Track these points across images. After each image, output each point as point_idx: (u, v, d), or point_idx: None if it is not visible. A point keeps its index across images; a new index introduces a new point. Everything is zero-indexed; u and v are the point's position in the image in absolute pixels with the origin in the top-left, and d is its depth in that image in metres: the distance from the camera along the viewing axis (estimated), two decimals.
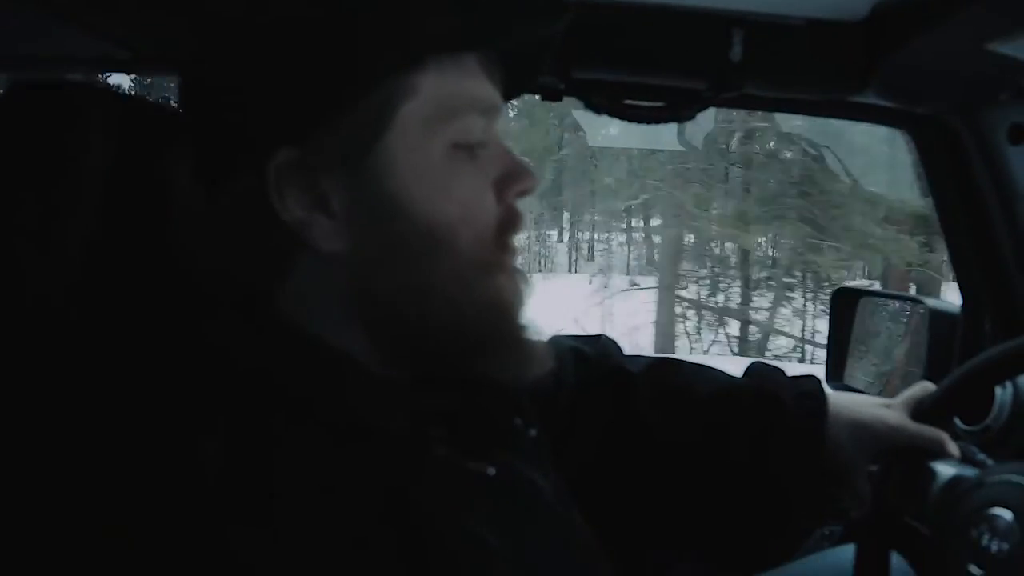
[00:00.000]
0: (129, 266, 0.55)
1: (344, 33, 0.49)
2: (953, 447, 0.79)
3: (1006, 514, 0.64)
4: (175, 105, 0.60)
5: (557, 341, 0.85)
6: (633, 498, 0.82)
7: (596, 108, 0.88)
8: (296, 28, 0.50)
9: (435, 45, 0.51)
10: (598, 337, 0.88)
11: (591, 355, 0.84)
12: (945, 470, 0.76)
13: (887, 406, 0.82)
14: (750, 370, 0.86)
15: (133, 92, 0.66)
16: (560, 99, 0.90)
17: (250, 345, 0.50)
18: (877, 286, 7.25)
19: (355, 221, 0.51)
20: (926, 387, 0.83)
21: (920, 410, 0.81)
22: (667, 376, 0.84)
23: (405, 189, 0.51)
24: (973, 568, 0.65)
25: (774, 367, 0.85)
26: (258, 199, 0.50)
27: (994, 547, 0.64)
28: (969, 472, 0.75)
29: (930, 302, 1.16)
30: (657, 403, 0.81)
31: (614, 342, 0.88)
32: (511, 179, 0.55)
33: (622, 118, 0.88)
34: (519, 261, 0.57)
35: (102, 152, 0.55)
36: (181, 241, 0.53)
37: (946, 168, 1.07)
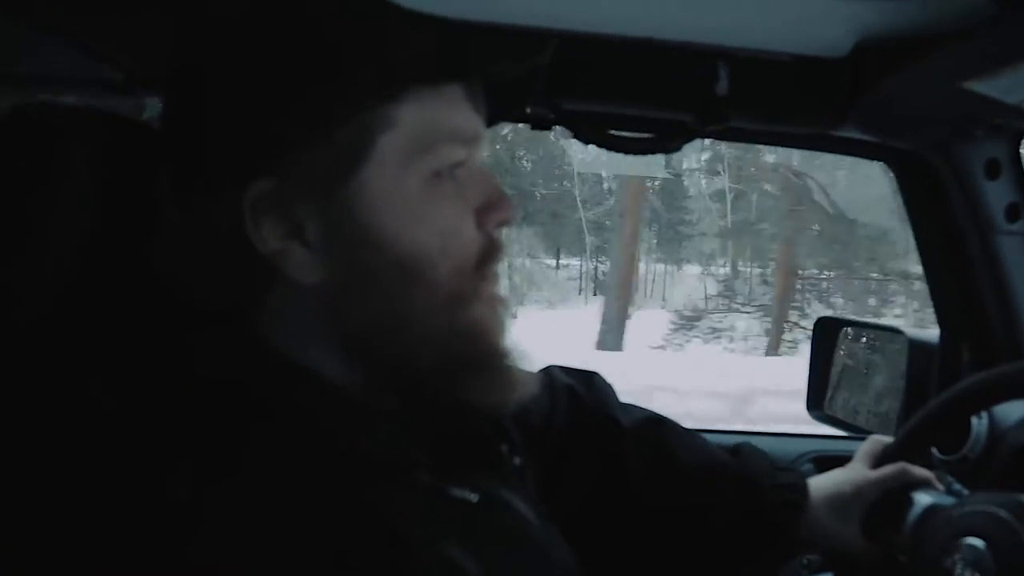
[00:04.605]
0: (113, 289, 0.55)
1: (322, 65, 0.49)
2: (920, 470, 0.81)
3: (979, 543, 0.66)
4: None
5: (552, 374, 0.86)
6: (613, 540, 0.83)
7: (585, 138, 0.89)
8: (273, 58, 0.50)
9: (414, 77, 0.51)
10: (592, 376, 0.88)
11: (585, 397, 0.85)
12: (922, 499, 0.77)
13: (849, 468, 0.85)
14: (738, 449, 0.87)
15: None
16: (550, 129, 0.92)
17: (228, 366, 0.50)
18: None
19: (331, 252, 0.51)
20: (877, 440, 0.86)
21: (886, 455, 0.83)
22: (657, 438, 0.84)
23: (382, 221, 0.51)
24: None
25: (762, 452, 0.87)
26: (233, 226, 0.50)
27: None
28: (946, 501, 0.76)
29: (909, 332, 1.18)
30: (644, 465, 0.82)
31: (608, 385, 0.88)
32: (492, 208, 0.55)
33: (610, 148, 0.89)
34: (499, 288, 0.57)
35: (86, 178, 0.55)
36: (164, 263, 0.53)
37: (925, 201, 1.09)
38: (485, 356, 0.55)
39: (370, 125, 0.50)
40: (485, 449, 0.59)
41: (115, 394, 0.49)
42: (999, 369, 0.82)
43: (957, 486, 0.83)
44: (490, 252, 0.56)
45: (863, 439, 0.89)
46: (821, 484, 0.84)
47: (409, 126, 0.51)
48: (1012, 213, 1.03)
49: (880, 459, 0.84)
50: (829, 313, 10.48)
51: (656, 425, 0.86)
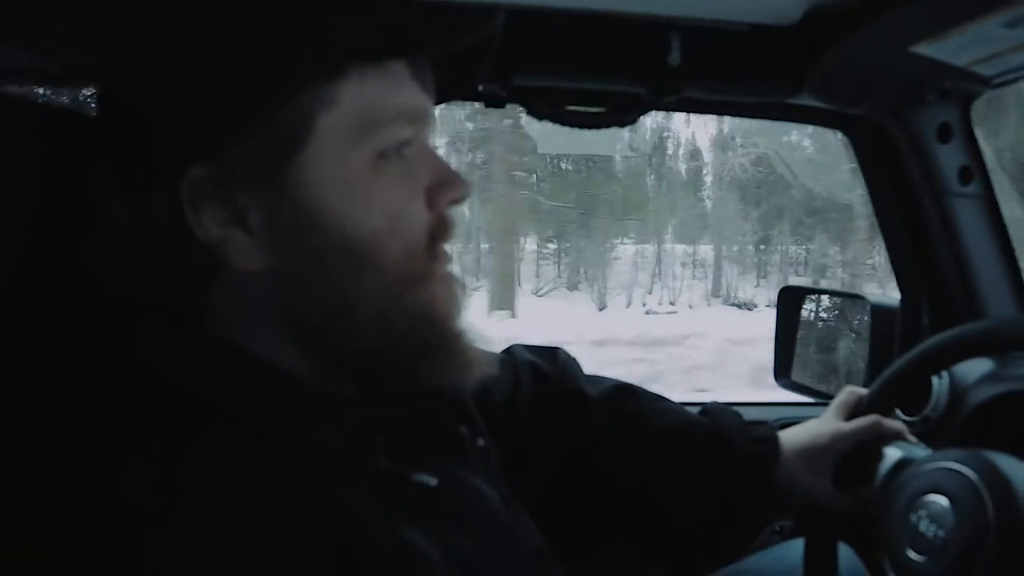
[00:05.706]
0: (55, 283, 0.53)
1: (256, 44, 0.47)
2: (892, 423, 0.82)
3: (942, 500, 0.66)
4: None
5: (514, 352, 0.85)
6: (585, 511, 0.83)
7: (538, 114, 0.88)
8: (207, 39, 0.48)
9: (353, 56, 0.49)
10: (555, 351, 0.88)
11: (550, 373, 0.84)
12: (893, 453, 0.78)
13: (822, 420, 0.86)
14: (707, 409, 0.88)
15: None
16: (503, 106, 0.91)
17: (176, 358, 0.49)
18: None
19: (275, 238, 0.49)
20: (852, 391, 0.87)
21: (859, 408, 0.84)
22: (625, 406, 0.85)
23: (326, 204, 0.49)
24: (911, 553, 0.66)
25: (732, 411, 0.88)
26: (174, 215, 0.48)
27: (931, 533, 0.65)
28: (916, 454, 0.77)
29: (872, 298, 1.20)
30: (615, 433, 0.82)
31: (573, 359, 0.88)
32: (443, 187, 0.54)
33: (564, 124, 0.89)
34: (451, 267, 0.56)
35: (25, 174, 0.53)
36: (107, 258, 0.52)
37: (880, 167, 1.10)
38: (439, 338, 0.54)
39: (309, 106, 0.48)
40: (445, 432, 0.58)
41: (67, 393, 0.47)
42: (960, 328, 0.83)
43: (921, 446, 0.84)
44: (441, 231, 0.55)
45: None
46: (793, 436, 0.84)
47: (351, 105, 0.49)
48: (965, 176, 1.05)
49: (853, 412, 0.85)
50: None
51: (624, 393, 0.86)
